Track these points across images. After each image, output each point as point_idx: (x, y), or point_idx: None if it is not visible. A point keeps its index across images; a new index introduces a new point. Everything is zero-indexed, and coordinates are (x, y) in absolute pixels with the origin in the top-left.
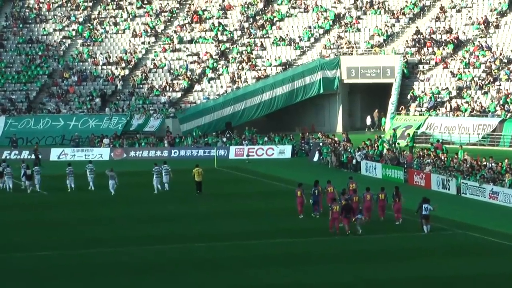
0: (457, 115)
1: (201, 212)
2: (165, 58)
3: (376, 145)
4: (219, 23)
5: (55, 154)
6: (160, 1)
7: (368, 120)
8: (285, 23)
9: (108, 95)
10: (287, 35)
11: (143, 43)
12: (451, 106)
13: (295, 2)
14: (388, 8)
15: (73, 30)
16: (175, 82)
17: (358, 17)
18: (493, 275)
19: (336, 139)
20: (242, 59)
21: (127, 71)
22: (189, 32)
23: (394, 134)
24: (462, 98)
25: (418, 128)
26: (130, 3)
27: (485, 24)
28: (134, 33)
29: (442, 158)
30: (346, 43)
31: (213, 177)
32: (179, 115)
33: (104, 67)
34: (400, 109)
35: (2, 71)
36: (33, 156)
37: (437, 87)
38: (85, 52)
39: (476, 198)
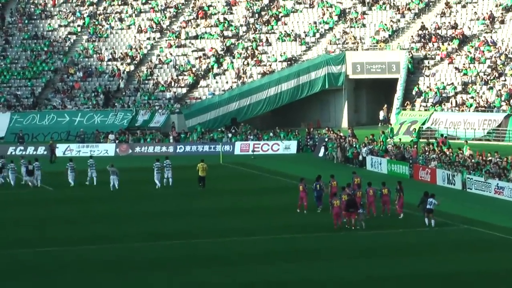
0: (462, 110)
1: (206, 208)
2: (171, 54)
3: (380, 140)
4: (225, 19)
5: (60, 150)
6: None
7: (381, 115)
8: (290, 19)
9: (113, 91)
10: (292, 30)
11: (148, 38)
12: (456, 101)
13: None
14: (394, 3)
15: (78, 26)
16: (180, 77)
17: (364, 13)
18: (498, 270)
19: (341, 134)
20: (247, 55)
21: (132, 67)
22: (194, 28)
23: (391, 129)
24: (468, 94)
25: (424, 123)
26: None
27: (491, 19)
28: (140, 28)
29: (447, 153)
30: (351, 39)
31: (219, 173)
32: (184, 111)
33: (110, 63)
34: (405, 104)
35: (7, 67)
36: (33, 152)
37: (442, 83)
38: (90, 48)
39: (482, 193)
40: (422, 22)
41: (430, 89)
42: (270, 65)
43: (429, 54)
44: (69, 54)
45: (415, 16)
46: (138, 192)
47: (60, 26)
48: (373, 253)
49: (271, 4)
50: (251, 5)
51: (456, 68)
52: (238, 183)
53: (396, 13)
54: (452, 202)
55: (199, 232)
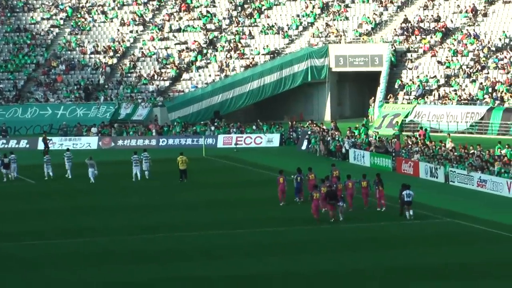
0: (445, 103)
1: (189, 201)
2: (154, 47)
3: (360, 132)
4: (207, 12)
5: (43, 143)
6: None
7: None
8: (273, 12)
9: (95, 84)
10: (275, 23)
11: (131, 31)
12: (439, 94)
13: None
14: None
15: (61, 19)
16: (163, 70)
17: (346, 6)
18: (481, 263)
19: (324, 127)
20: (230, 48)
21: (115, 60)
22: (177, 21)
23: (367, 121)
24: (450, 86)
25: (406, 116)
26: None
27: (473, 12)
28: (122, 21)
29: (430, 146)
30: (334, 32)
31: (201, 166)
32: (167, 104)
33: (92, 56)
34: (388, 97)
35: None
36: (15, 145)
37: (425, 75)
38: (73, 41)
39: (464, 186)
40: (405, 15)
41: (413, 82)
42: (253, 58)
43: (412, 47)
44: (52, 47)
45: (398, 9)
46: (120, 185)
47: (42, 19)
48: (358, 246)
49: None
50: None
51: (439, 61)
52: (221, 176)
53: (379, 6)
54: (435, 195)
55: (183, 225)
